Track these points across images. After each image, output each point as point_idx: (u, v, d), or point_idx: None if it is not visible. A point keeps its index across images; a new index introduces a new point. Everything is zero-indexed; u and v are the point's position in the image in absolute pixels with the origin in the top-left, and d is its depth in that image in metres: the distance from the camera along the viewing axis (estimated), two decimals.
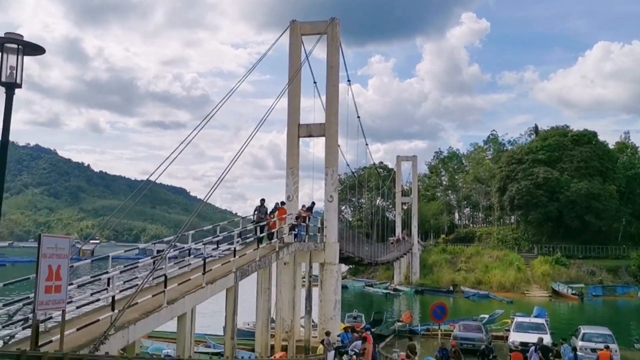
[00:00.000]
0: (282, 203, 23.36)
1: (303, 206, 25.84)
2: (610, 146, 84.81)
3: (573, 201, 72.49)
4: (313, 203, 26.30)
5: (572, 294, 61.69)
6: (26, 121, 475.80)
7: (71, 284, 10.39)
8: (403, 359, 21.43)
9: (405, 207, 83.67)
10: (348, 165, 45.19)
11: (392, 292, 66.26)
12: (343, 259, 35.85)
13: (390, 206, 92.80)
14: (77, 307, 10.22)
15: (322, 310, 26.65)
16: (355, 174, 74.74)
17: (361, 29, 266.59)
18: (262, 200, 21.11)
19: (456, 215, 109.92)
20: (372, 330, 29.03)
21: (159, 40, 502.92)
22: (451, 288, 66.26)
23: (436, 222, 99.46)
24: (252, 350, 22.86)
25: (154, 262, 12.12)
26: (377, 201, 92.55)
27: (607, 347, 21.72)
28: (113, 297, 10.63)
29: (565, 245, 73.70)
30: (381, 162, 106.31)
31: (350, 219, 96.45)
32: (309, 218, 25.05)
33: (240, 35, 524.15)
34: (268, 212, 21.28)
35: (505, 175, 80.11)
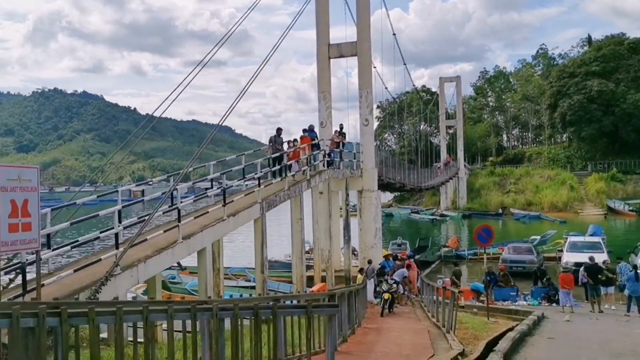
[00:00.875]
0: (304, 130, 21.76)
1: (335, 131, 24.39)
2: None
3: (630, 114, 68.56)
4: (341, 125, 24.70)
5: (630, 210, 59.25)
6: (72, 68, 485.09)
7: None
8: (447, 285, 20.39)
9: (450, 132, 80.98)
10: (386, 88, 43.39)
11: (438, 217, 65.12)
12: (383, 186, 34.64)
13: (435, 131, 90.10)
14: (72, 247, 9.35)
15: (362, 238, 25.69)
16: (397, 100, 72.24)
17: None
18: (279, 130, 19.70)
19: (504, 136, 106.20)
20: (417, 257, 28.16)
21: None
22: (500, 211, 64.66)
23: (483, 144, 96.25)
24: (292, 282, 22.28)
25: (163, 195, 11.06)
26: (421, 126, 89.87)
27: None
28: (116, 234, 9.71)
29: (622, 161, 70.30)
30: (424, 86, 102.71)
31: (394, 147, 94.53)
32: (343, 143, 23.65)
33: None
34: (283, 143, 19.81)
35: (556, 90, 75.81)
